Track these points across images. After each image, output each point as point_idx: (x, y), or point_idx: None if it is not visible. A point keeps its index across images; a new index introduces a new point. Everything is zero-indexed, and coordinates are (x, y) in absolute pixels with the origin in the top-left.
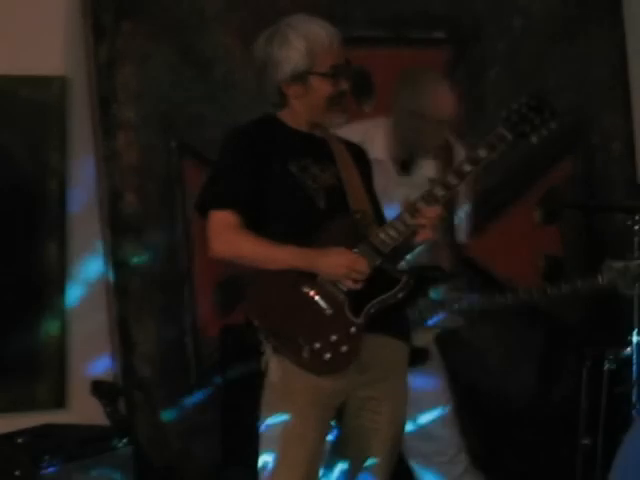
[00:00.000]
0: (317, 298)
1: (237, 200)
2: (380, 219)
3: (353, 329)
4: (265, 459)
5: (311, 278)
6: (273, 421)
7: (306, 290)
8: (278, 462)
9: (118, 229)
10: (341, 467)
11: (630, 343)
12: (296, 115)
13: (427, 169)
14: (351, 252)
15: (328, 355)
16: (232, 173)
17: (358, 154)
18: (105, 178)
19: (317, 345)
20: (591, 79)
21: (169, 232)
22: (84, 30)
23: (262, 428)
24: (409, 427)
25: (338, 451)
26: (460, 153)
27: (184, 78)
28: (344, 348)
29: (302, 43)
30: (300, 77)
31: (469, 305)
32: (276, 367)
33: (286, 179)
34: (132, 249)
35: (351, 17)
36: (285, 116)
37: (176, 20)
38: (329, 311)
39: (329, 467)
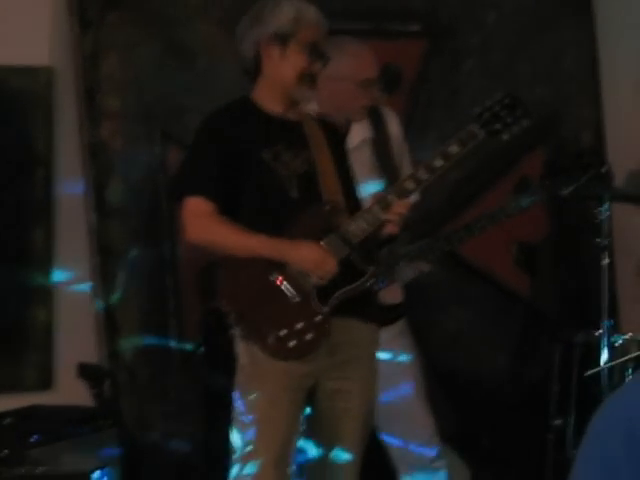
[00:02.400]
0: (286, 285)
1: (210, 187)
2: (354, 201)
3: (319, 318)
4: (238, 439)
5: (281, 266)
6: (245, 404)
7: (275, 277)
8: (251, 444)
9: (103, 215)
10: (314, 447)
11: (600, 327)
12: (269, 90)
13: (360, 131)
14: (322, 249)
15: (293, 342)
16: (205, 160)
17: (332, 132)
18: (91, 166)
19: (283, 332)
20: (562, 71)
21: (153, 218)
22: (70, 21)
23: (235, 410)
24: (383, 404)
25: (311, 432)
26: (388, 113)
27: (168, 68)
28: (309, 336)
29: (292, 11)
30: (282, 38)
31: (430, 249)
32: (244, 351)
33: (259, 167)
34: (117, 235)
35: (328, 9)
36: (259, 96)
37: (160, 11)
38: (296, 299)
39: (303, 448)
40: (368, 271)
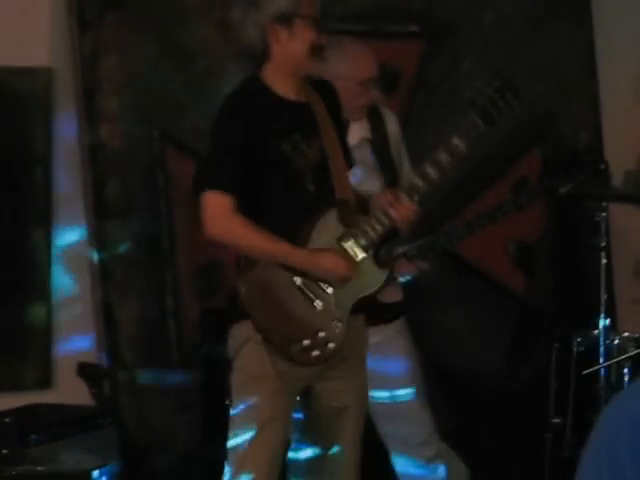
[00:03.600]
0: (307, 292)
1: (229, 181)
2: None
3: (340, 325)
4: (234, 441)
5: (301, 272)
6: (242, 405)
7: (297, 284)
8: (247, 444)
9: (102, 215)
10: (311, 448)
11: (598, 326)
12: (279, 73)
13: (359, 130)
14: (343, 259)
15: (316, 352)
16: (227, 154)
17: (330, 98)
18: (90, 166)
19: (306, 342)
20: (560, 71)
21: (152, 218)
22: (69, 22)
23: (232, 411)
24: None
25: (307, 433)
26: (386, 112)
27: (166, 69)
28: (331, 345)
29: None
30: (287, 19)
31: (429, 247)
32: (243, 353)
33: (279, 159)
34: (116, 234)
35: (327, 10)
36: (270, 78)
37: (158, 12)
38: (318, 306)
39: (299, 448)
40: (385, 272)
